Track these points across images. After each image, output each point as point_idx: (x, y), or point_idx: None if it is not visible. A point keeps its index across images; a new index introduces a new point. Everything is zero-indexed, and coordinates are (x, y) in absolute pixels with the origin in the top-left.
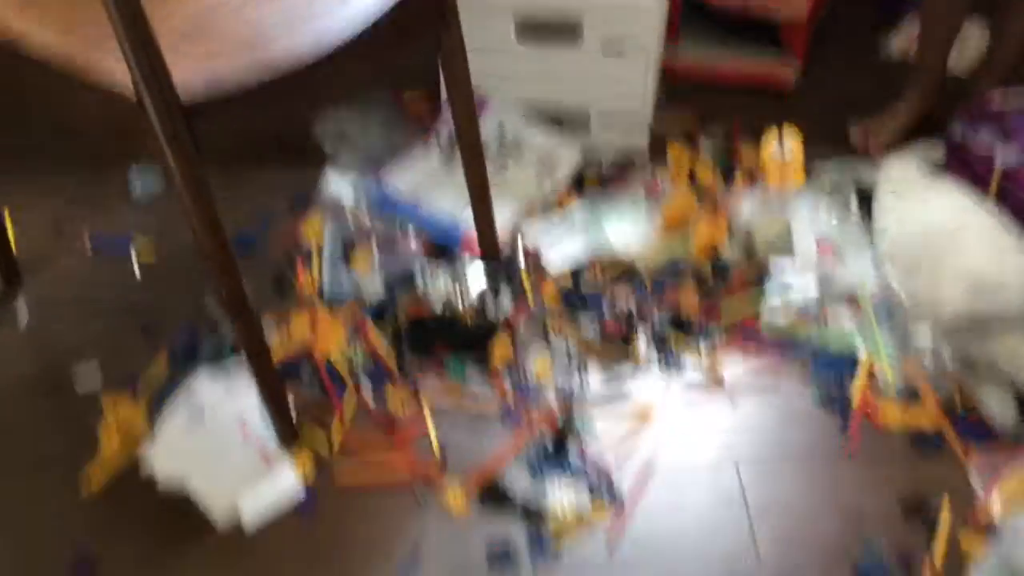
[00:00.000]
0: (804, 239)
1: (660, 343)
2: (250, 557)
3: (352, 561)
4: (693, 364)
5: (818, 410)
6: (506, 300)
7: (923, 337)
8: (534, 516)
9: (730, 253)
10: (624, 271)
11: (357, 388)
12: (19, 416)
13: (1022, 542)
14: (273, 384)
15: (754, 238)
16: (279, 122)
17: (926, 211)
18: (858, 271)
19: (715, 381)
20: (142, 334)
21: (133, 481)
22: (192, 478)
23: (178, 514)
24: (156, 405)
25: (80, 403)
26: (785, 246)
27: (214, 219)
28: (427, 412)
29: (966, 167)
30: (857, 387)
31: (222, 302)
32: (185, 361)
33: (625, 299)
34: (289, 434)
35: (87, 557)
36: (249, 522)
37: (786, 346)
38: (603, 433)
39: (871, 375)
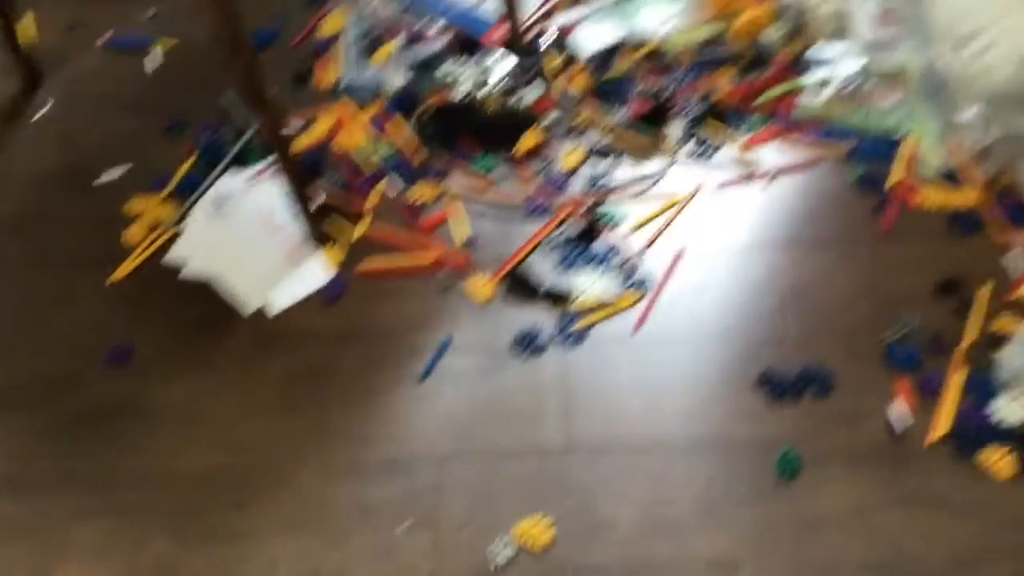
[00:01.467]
0: (862, 12)
1: (692, 127)
2: (280, 340)
3: (380, 345)
4: (727, 149)
5: (854, 193)
6: (533, 89)
7: (970, 113)
8: (560, 302)
9: (775, 37)
10: (658, 56)
11: (381, 179)
12: (48, 209)
13: None
14: (297, 178)
15: (810, 13)
16: None
17: None
18: (910, 46)
19: (748, 165)
20: (165, 133)
21: (161, 274)
22: (219, 270)
23: (207, 303)
24: (181, 201)
25: (106, 198)
26: (842, 23)
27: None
28: (452, 202)
29: None
30: (896, 167)
31: (242, 92)
32: (209, 160)
33: (657, 83)
34: (314, 226)
35: (124, 343)
36: (277, 308)
37: (825, 129)
38: (633, 221)
39: (912, 156)
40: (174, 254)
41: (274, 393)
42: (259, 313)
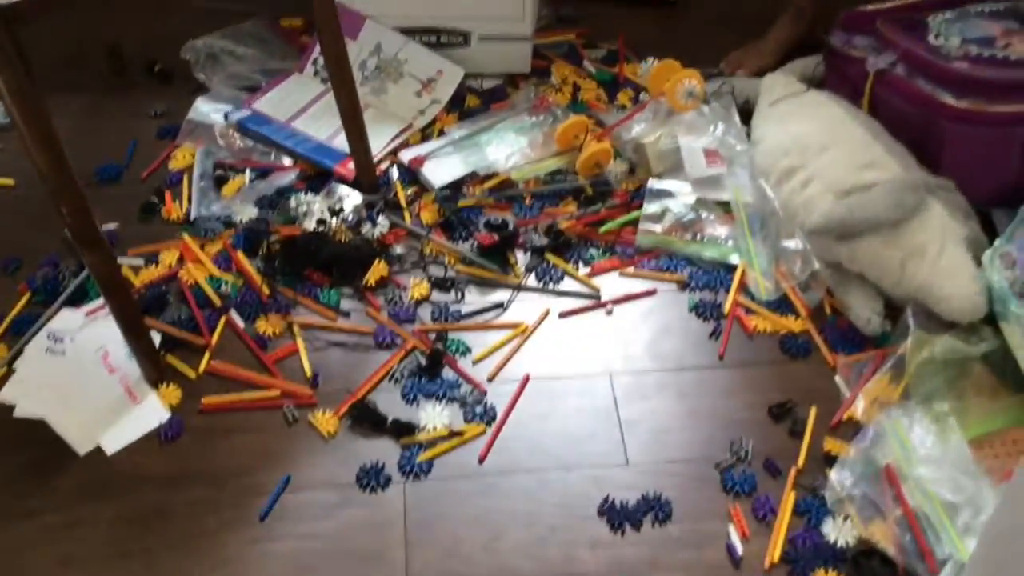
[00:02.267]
0: (692, 151)
1: (537, 257)
2: (111, 482)
3: (218, 486)
4: (570, 279)
5: (692, 320)
6: (382, 221)
7: (793, 245)
8: (405, 434)
9: (615, 171)
10: (505, 187)
11: (226, 313)
12: None
13: (884, 442)
14: (134, 318)
15: (645, 151)
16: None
17: (800, 121)
18: (736, 182)
19: (591, 295)
20: (1, 271)
21: None
22: (52, 410)
23: (39, 445)
24: (15, 340)
25: None
26: (674, 160)
27: (49, 135)
28: (298, 334)
29: (843, 77)
30: (730, 294)
31: (71, 231)
32: (47, 298)
33: (504, 214)
34: (153, 367)
35: None
36: (110, 450)
37: (662, 258)
38: (477, 350)
39: (744, 284)
40: (6, 394)
41: (101, 540)
42: (93, 454)
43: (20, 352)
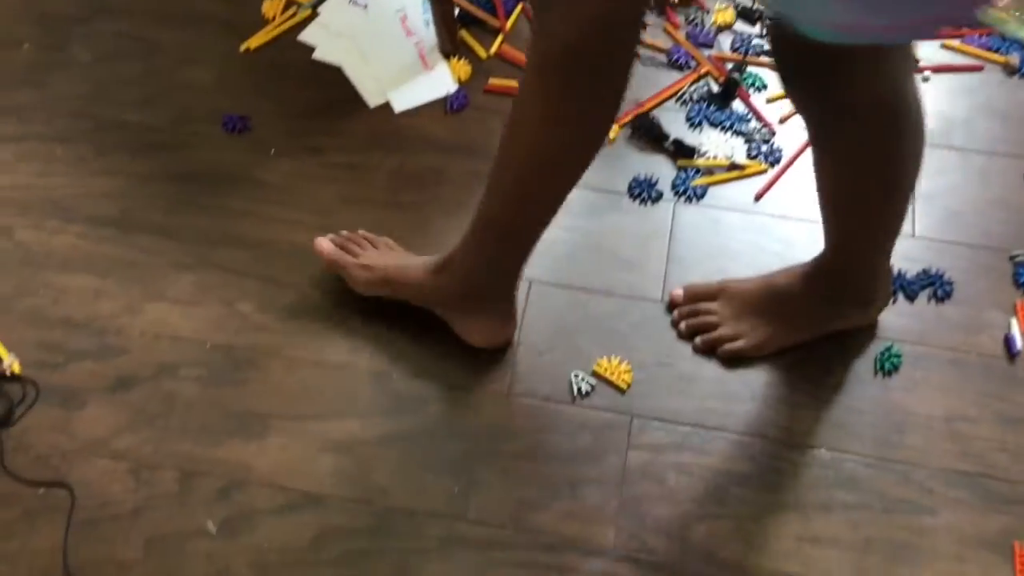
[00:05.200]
0: None
1: None
2: (395, 137)
3: (490, 162)
4: None
5: (1018, 105)
6: None
7: None
8: (684, 156)
9: None
10: None
11: None
12: None
13: None
14: None
15: None
16: None
17: None
18: None
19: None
20: None
21: (294, 51)
22: (349, 60)
23: (332, 88)
24: None
25: None
26: None
27: None
28: None
29: None
30: None
31: None
32: None
33: None
34: (448, 38)
35: (243, 113)
36: (397, 107)
37: (995, 37)
38: (774, 89)
39: None
40: (308, 35)
41: (379, 186)
42: (381, 109)
43: None
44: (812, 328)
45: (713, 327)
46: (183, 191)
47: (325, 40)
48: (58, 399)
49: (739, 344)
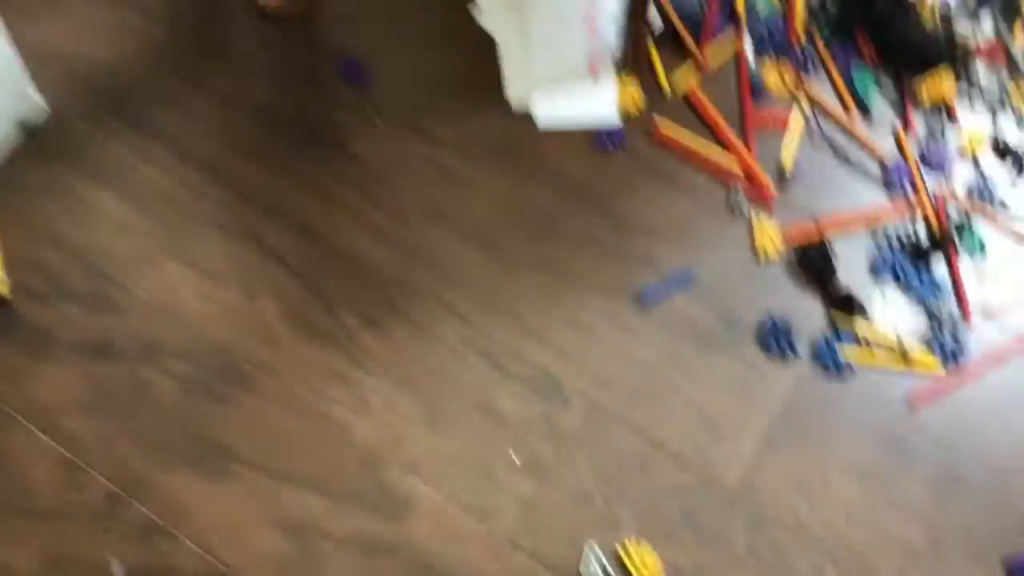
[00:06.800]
0: None
1: None
2: (521, 155)
3: (619, 225)
4: None
5: None
6: (986, 26)
7: None
8: (844, 310)
9: None
10: None
11: (740, 33)
12: None
13: None
14: None
15: None
16: None
17: None
18: None
19: None
20: None
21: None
22: (507, 37)
23: (480, 63)
24: None
25: None
26: None
27: None
28: (799, 109)
29: None
30: None
31: None
32: None
33: None
34: (633, 50)
35: (365, 54)
36: (542, 120)
37: None
38: (995, 262)
39: None
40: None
41: (475, 212)
42: (520, 117)
43: None
44: None
45: None
46: (257, 131)
47: (495, 5)
48: (24, 340)
49: None
